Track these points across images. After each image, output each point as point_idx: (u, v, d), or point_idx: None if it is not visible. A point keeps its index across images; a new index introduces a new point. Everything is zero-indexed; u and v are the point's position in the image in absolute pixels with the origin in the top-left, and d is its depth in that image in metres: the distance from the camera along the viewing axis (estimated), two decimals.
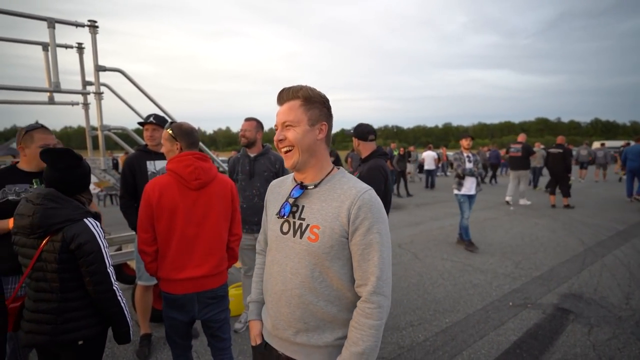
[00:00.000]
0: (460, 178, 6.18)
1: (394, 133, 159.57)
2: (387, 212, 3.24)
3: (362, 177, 3.14)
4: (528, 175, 10.67)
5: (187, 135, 2.25)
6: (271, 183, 1.58)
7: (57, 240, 1.74)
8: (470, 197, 6.18)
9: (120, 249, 4.60)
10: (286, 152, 1.34)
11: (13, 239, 1.83)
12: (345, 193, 1.31)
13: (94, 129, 3.88)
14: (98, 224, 1.84)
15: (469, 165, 6.17)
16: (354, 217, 1.26)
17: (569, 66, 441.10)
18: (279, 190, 1.50)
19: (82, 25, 3.46)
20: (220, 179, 2.28)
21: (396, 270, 5.21)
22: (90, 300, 1.82)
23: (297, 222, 1.35)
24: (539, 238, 6.91)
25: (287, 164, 1.36)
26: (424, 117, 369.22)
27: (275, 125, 1.36)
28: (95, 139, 3.94)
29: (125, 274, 4.60)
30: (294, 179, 1.44)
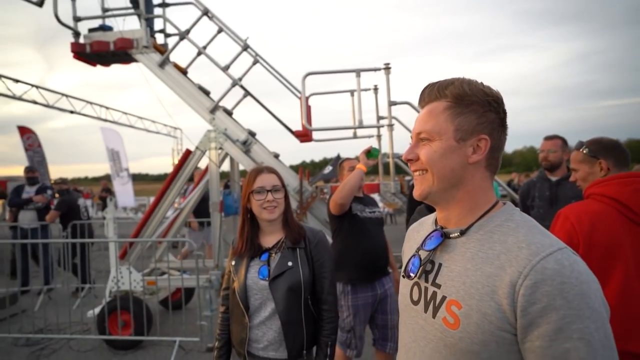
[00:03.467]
0: None
1: None
2: None
3: None
4: None
5: (612, 149, 1.75)
6: (411, 226, 1.14)
7: None
8: None
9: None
10: (418, 175, 0.92)
11: None
12: (509, 252, 0.77)
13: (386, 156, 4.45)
14: None
15: None
16: (525, 302, 0.71)
17: None
18: (415, 236, 1.05)
19: (380, 69, 4.07)
20: None
21: None
22: None
23: (430, 290, 0.88)
24: None
25: (416, 191, 0.93)
26: None
27: (411, 139, 0.95)
28: (386, 165, 4.50)
29: None
30: (436, 220, 0.98)
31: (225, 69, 4.25)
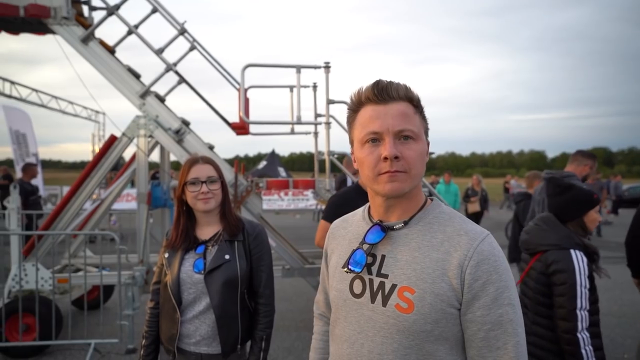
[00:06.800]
0: None
1: None
2: None
3: None
4: None
5: None
6: (333, 223, 1.17)
7: (542, 261, 1.85)
8: None
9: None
10: (393, 173, 0.88)
11: None
12: (450, 239, 0.89)
13: (321, 154, 4.53)
14: (585, 259, 1.79)
15: None
16: (471, 279, 0.84)
17: None
18: (343, 233, 1.08)
19: (320, 67, 4.13)
20: None
21: None
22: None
23: (377, 281, 0.93)
24: None
25: (391, 188, 0.89)
26: None
27: (376, 134, 0.89)
28: (321, 162, 4.58)
29: None
30: (368, 215, 1.02)
31: (159, 52, 3.99)
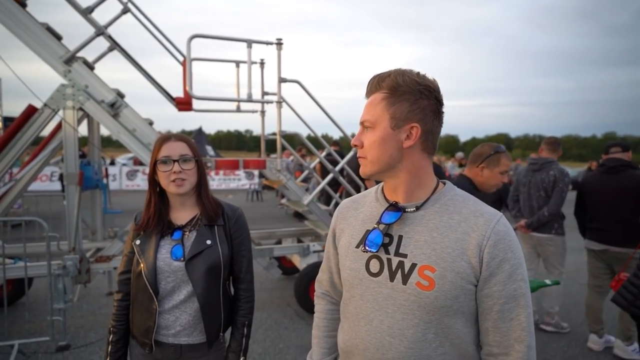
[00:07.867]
0: None
1: (536, 143, 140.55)
2: None
3: None
4: None
5: None
6: (341, 204, 1.19)
7: None
8: None
9: (280, 242, 5.12)
10: (362, 160, 1.01)
11: None
12: (467, 220, 0.95)
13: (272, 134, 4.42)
14: None
15: None
16: (489, 258, 0.90)
17: None
18: (354, 214, 1.11)
19: (272, 43, 3.97)
20: None
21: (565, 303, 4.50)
22: None
23: (395, 260, 0.97)
24: None
25: (361, 172, 1.03)
26: (576, 125, 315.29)
27: (361, 124, 1.05)
28: (270, 142, 4.47)
29: (283, 265, 5.16)
30: (383, 195, 1.05)
31: (87, 12, 3.47)
